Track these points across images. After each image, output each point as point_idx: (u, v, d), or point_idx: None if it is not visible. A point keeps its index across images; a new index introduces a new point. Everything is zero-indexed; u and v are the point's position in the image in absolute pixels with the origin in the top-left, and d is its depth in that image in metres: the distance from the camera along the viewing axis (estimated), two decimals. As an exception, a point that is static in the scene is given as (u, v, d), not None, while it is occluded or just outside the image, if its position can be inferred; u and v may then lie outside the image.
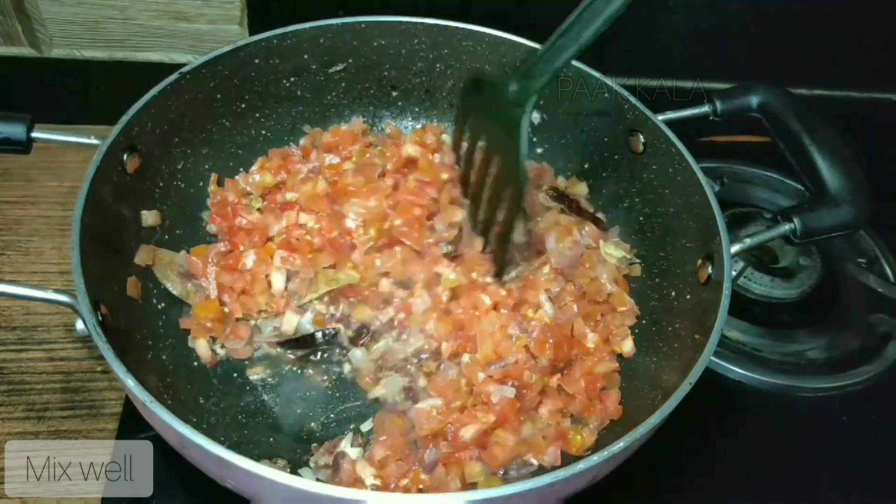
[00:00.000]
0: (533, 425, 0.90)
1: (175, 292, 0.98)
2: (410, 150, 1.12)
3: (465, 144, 1.02)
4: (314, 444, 0.90)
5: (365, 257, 1.01)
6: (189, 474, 0.78)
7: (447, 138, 1.21)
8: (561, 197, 1.12)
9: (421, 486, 0.84)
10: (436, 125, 1.23)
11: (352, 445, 0.88)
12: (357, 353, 0.96)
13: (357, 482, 0.84)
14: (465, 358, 0.93)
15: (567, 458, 0.90)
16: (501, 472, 0.88)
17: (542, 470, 0.88)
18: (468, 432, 0.87)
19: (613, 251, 1.07)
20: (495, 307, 0.97)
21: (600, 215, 1.13)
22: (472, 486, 0.85)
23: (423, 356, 0.95)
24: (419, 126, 1.23)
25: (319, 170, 1.11)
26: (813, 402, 1.10)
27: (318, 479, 0.85)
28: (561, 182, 1.17)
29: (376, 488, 0.83)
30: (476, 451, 0.87)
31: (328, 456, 0.87)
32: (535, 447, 0.89)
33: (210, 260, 1.00)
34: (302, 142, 1.16)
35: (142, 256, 0.95)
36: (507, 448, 0.86)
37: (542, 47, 0.89)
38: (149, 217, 0.99)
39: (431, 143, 1.16)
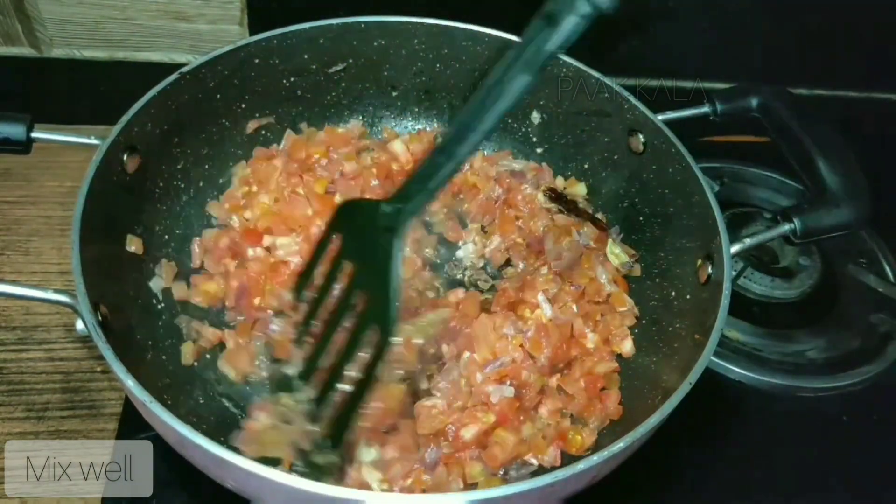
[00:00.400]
0: (533, 425, 0.90)
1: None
2: (398, 147, 1.14)
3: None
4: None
5: None
6: (189, 474, 0.78)
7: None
8: (559, 198, 1.12)
9: (423, 488, 0.84)
10: (430, 130, 1.23)
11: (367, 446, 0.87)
12: None
13: (363, 486, 0.83)
14: (465, 357, 0.93)
15: (567, 458, 0.90)
16: (501, 473, 0.88)
17: (542, 470, 0.88)
18: (469, 432, 0.87)
19: (619, 252, 1.07)
20: (486, 309, 0.97)
21: (599, 215, 1.13)
22: (473, 486, 0.85)
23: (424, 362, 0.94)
24: (419, 127, 1.23)
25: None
26: (813, 402, 1.10)
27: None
28: (560, 182, 1.17)
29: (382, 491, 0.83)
30: (476, 451, 0.87)
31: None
32: (535, 447, 0.89)
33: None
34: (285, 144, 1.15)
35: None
36: (507, 448, 0.86)
37: (418, 167, 0.79)
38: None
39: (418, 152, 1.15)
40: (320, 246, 0.87)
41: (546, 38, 0.71)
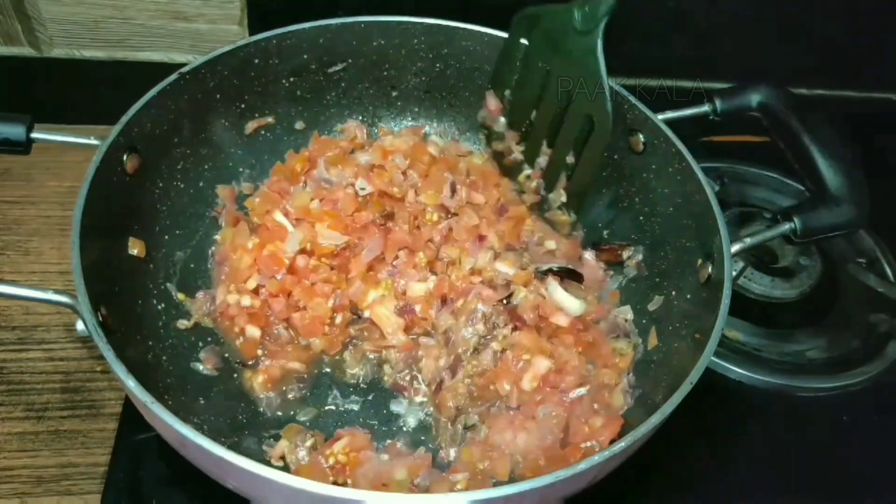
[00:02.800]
0: None
1: None
2: (387, 142, 1.13)
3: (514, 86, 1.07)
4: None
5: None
6: (189, 474, 0.78)
7: (437, 140, 1.21)
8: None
9: None
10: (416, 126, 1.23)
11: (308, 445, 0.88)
12: None
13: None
14: None
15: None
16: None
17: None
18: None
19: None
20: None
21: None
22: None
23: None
24: (417, 125, 1.23)
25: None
26: (813, 402, 1.10)
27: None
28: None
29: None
30: None
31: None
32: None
33: None
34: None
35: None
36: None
37: None
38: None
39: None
40: (508, 54, 1.06)
41: None
